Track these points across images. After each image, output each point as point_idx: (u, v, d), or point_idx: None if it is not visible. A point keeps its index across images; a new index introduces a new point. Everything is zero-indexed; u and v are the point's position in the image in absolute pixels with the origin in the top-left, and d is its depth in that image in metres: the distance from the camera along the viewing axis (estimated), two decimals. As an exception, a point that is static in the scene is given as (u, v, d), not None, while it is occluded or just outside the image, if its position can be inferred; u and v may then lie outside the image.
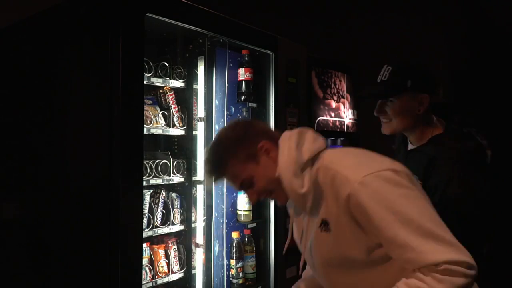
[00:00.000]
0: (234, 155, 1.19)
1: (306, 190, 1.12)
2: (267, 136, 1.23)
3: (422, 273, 0.98)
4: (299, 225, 1.30)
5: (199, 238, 2.10)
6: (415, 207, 1.02)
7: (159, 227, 1.94)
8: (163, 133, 1.99)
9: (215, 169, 1.23)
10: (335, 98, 3.49)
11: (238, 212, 2.22)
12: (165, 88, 2.12)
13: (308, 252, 1.22)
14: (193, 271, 2.12)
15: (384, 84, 1.62)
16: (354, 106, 3.75)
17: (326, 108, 3.38)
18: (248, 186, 1.22)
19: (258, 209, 2.31)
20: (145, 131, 1.74)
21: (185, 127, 2.09)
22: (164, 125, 2.01)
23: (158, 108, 2.04)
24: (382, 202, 1.02)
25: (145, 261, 1.86)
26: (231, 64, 2.20)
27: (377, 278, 1.10)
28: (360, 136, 3.78)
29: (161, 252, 2.01)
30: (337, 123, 3.51)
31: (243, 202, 2.20)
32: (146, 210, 1.92)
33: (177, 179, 2.03)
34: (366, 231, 1.07)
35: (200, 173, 2.10)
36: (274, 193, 1.23)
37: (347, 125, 3.64)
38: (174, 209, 2.04)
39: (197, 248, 2.11)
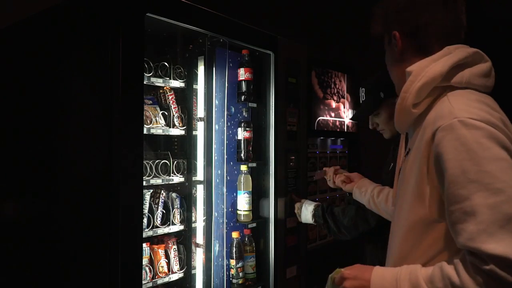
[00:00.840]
0: (390, 15, 1.13)
1: (416, 112, 1.00)
2: (411, 28, 1.09)
3: (466, 262, 0.84)
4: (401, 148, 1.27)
5: (199, 238, 2.10)
6: (508, 177, 0.82)
7: (159, 227, 1.94)
8: (163, 133, 1.99)
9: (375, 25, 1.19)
10: (335, 98, 3.49)
11: (238, 212, 2.22)
12: (165, 88, 2.12)
13: (397, 180, 1.18)
14: (193, 271, 2.12)
15: (364, 103, 1.90)
16: (354, 106, 3.75)
17: (326, 108, 3.38)
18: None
19: (258, 209, 2.31)
20: (145, 131, 1.74)
21: (185, 127, 2.09)
22: (164, 125, 2.01)
23: (158, 108, 2.04)
24: (472, 153, 0.84)
25: (145, 261, 1.86)
26: (231, 64, 2.20)
27: (435, 244, 0.96)
28: (360, 136, 3.78)
29: (161, 252, 2.01)
30: (337, 123, 3.51)
31: (243, 202, 2.20)
32: (146, 210, 1.92)
33: (177, 179, 2.03)
34: (430, 176, 0.93)
35: (200, 173, 2.10)
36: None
37: (347, 125, 3.64)
38: (174, 209, 2.04)
39: (197, 248, 2.11)
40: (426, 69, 0.98)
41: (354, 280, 1.04)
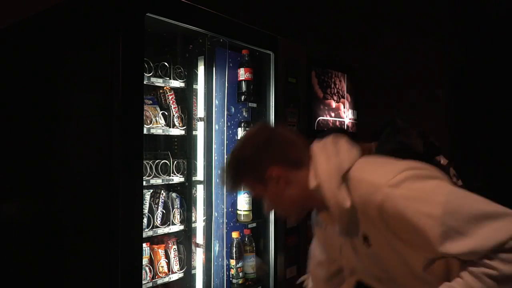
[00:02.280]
0: (244, 176, 1.17)
1: (349, 204, 1.02)
2: (282, 159, 1.13)
3: (488, 259, 0.88)
4: (333, 241, 1.22)
5: (199, 238, 2.10)
6: (454, 195, 0.93)
7: (159, 227, 1.94)
8: (163, 133, 1.99)
9: (230, 185, 1.21)
10: (335, 98, 3.50)
11: (238, 212, 2.22)
12: (165, 88, 2.12)
13: (360, 268, 1.17)
14: (193, 271, 2.12)
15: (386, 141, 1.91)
16: (354, 106, 3.75)
17: (326, 108, 3.38)
18: (261, 200, 1.22)
19: (258, 209, 2.31)
20: (145, 131, 1.74)
21: (185, 127, 2.09)
22: (164, 125, 2.01)
23: (158, 108, 2.04)
24: (419, 200, 0.93)
25: (145, 261, 1.86)
26: (231, 64, 2.20)
27: None
28: (360, 136, 3.78)
29: (161, 252, 2.01)
30: (337, 123, 3.51)
31: (243, 202, 2.20)
32: (146, 210, 1.92)
33: (177, 179, 2.03)
34: (407, 242, 0.98)
35: (200, 173, 2.10)
36: (285, 213, 1.24)
37: (347, 125, 3.64)
38: (174, 209, 2.04)
39: (197, 248, 2.11)
40: (324, 175, 1.06)
41: None
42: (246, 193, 2.19)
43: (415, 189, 0.95)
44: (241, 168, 1.16)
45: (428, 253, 0.98)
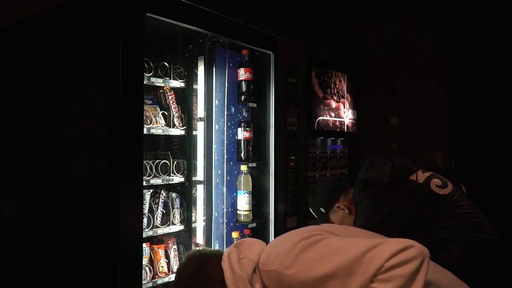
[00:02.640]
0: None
1: None
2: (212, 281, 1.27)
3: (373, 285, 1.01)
4: None
5: (199, 238, 2.10)
6: (334, 251, 1.09)
7: (159, 227, 1.94)
8: (163, 133, 1.99)
9: None
10: (335, 98, 3.50)
11: (238, 212, 2.22)
12: (165, 88, 2.12)
13: None
14: (193, 271, 2.11)
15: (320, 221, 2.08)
16: (354, 106, 3.75)
17: (326, 108, 3.38)
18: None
19: (258, 209, 2.31)
20: (145, 131, 1.74)
21: (185, 127, 2.09)
22: (164, 125, 2.01)
23: (158, 108, 2.04)
24: (310, 268, 1.09)
25: (145, 261, 1.86)
26: (231, 64, 2.20)
27: None
28: (360, 136, 3.79)
29: (161, 252, 2.01)
30: (337, 123, 3.51)
31: (243, 202, 2.20)
32: (146, 210, 1.92)
33: (177, 179, 2.03)
34: None
35: (200, 173, 2.10)
36: None
37: (347, 125, 3.64)
38: (174, 209, 2.04)
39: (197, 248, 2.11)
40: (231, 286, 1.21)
41: None
42: (246, 193, 2.20)
43: (304, 262, 1.12)
44: None
45: None
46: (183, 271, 1.32)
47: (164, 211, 2.00)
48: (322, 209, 2.05)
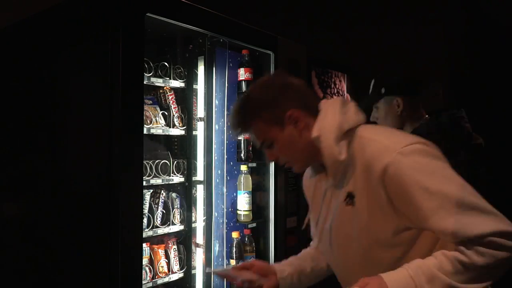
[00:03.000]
0: (259, 116, 1.16)
1: (344, 157, 1.08)
2: (300, 103, 1.17)
3: (464, 246, 0.95)
4: (317, 199, 1.25)
5: (199, 238, 2.10)
6: (454, 179, 1.00)
7: (159, 227, 1.94)
8: (163, 133, 1.99)
9: (239, 124, 1.21)
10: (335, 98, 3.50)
11: (238, 212, 2.22)
12: (165, 88, 2.12)
13: (328, 228, 1.18)
14: (193, 271, 2.12)
15: (369, 95, 1.97)
16: (354, 106, 3.75)
17: (326, 108, 3.38)
18: (268, 147, 1.19)
19: (258, 209, 2.31)
20: (145, 131, 1.74)
21: (185, 127, 2.09)
22: (164, 125, 2.01)
23: (158, 108, 2.04)
24: (423, 173, 0.99)
25: (145, 261, 1.86)
26: (231, 64, 2.20)
27: (396, 261, 1.05)
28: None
29: (161, 252, 2.01)
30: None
31: (243, 202, 2.20)
32: (146, 210, 1.92)
33: (177, 179, 2.03)
34: (397, 207, 1.03)
35: (200, 173, 2.10)
36: (293, 160, 1.21)
37: (347, 125, 3.64)
38: (174, 209, 2.04)
39: (197, 248, 2.11)
40: (327, 128, 1.12)
41: None
42: (246, 193, 2.19)
43: (421, 163, 1.01)
44: (257, 108, 1.16)
45: (410, 222, 1.04)
46: (260, 90, 1.20)
47: (164, 211, 2.00)
48: (383, 89, 1.91)
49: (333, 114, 1.13)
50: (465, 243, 0.95)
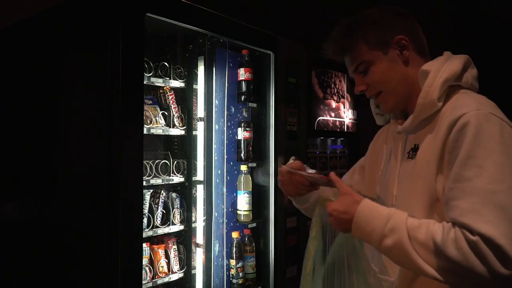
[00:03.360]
0: (364, 36, 1.10)
1: (440, 105, 1.01)
2: (413, 35, 1.11)
3: (451, 227, 0.89)
4: (395, 147, 1.18)
5: (199, 238, 2.10)
6: (506, 174, 0.89)
7: (159, 227, 1.94)
8: (163, 133, 1.99)
9: (339, 39, 1.14)
10: (335, 98, 3.50)
11: (238, 212, 2.22)
12: (165, 88, 2.12)
13: (394, 178, 1.12)
14: (193, 271, 2.12)
15: None
16: (354, 106, 3.75)
17: (326, 108, 3.38)
18: (362, 72, 1.13)
19: (258, 209, 2.31)
20: (145, 131, 1.74)
21: (185, 127, 2.09)
22: (164, 125, 2.01)
23: (158, 108, 2.04)
24: (486, 143, 0.90)
25: (145, 261, 1.86)
26: (231, 64, 2.20)
27: None
28: (360, 136, 3.79)
29: (161, 252, 2.01)
30: (337, 123, 3.51)
31: (243, 202, 2.20)
32: (146, 210, 1.92)
33: (177, 179, 2.03)
34: (443, 167, 0.96)
35: (200, 173, 2.10)
36: (383, 95, 1.12)
37: (347, 125, 3.64)
38: (174, 209, 2.04)
39: (197, 248, 2.11)
40: (443, 68, 1.03)
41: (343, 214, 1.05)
42: (246, 193, 2.19)
43: (491, 134, 0.91)
44: (368, 24, 1.11)
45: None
46: (375, 10, 1.14)
47: (164, 211, 2.00)
48: None
49: (455, 63, 1.05)
50: (455, 224, 0.89)
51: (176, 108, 2.09)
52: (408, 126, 1.08)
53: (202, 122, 2.07)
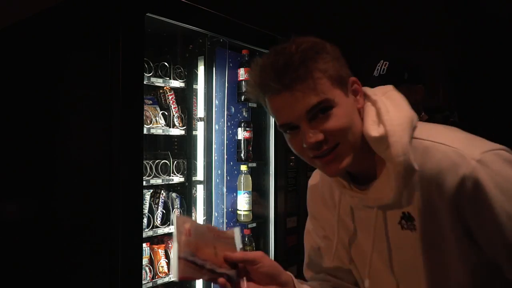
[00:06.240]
0: (326, 66, 0.81)
1: (417, 166, 0.79)
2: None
3: None
4: (366, 220, 0.91)
5: (199, 238, 2.09)
6: None
7: (159, 227, 1.94)
8: (163, 133, 1.99)
9: (292, 65, 0.79)
10: (335, 98, 3.49)
11: (238, 212, 2.22)
12: (165, 88, 2.12)
13: (386, 257, 0.89)
14: (193, 271, 2.11)
15: (382, 77, 1.74)
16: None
17: (326, 108, 3.38)
18: (322, 112, 0.80)
19: (258, 209, 2.31)
20: (145, 131, 1.74)
21: (185, 127, 2.09)
22: (164, 125, 2.01)
23: (158, 108, 2.04)
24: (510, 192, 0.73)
25: (145, 261, 1.86)
26: (231, 64, 2.20)
27: None
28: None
29: (161, 252, 2.01)
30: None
31: (243, 202, 2.20)
32: (146, 210, 1.92)
33: (177, 179, 2.03)
34: (476, 237, 0.77)
35: (200, 173, 2.10)
36: (340, 149, 0.82)
37: (347, 125, 3.64)
38: (174, 209, 2.04)
39: (197, 248, 2.10)
40: (398, 119, 0.83)
41: None
42: (246, 193, 2.19)
43: (508, 177, 0.75)
44: (325, 53, 0.83)
45: (493, 257, 0.78)
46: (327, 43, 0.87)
47: (164, 211, 2.00)
48: (407, 74, 1.71)
49: (396, 105, 0.85)
50: None
51: (176, 108, 2.09)
52: (392, 199, 0.82)
53: (202, 122, 2.07)
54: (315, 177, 1.08)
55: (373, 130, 0.83)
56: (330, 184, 0.99)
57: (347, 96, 0.83)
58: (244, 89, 2.20)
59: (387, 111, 0.84)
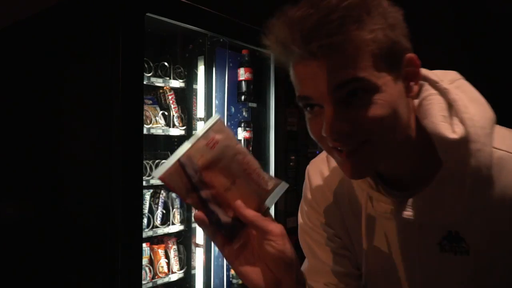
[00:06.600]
0: (374, 33, 0.58)
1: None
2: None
3: None
4: (390, 231, 0.73)
5: (199, 238, 2.09)
6: None
7: (159, 227, 1.94)
8: (163, 133, 1.99)
9: (332, 29, 0.57)
10: (335, 98, 3.49)
11: (238, 212, 2.22)
12: (165, 88, 2.12)
13: (410, 278, 0.73)
14: (193, 271, 2.11)
15: None
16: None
17: (326, 108, 3.38)
18: (354, 94, 0.59)
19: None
20: (145, 131, 1.74)
21: (185, 127, 2.09)
22: (164, 125, 2.01)
23: (158, 108, 2.04)
24: None
25: (145, 261, 1.86)
26: (231, 64, 2.20)
27: None
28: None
29: (161, 252, 2.01)
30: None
31: (243, 202, 2.19)
32: (146, 210, 1.91)
33: (177, 179, 2.02)
34: None
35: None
36: (369, 147, 0.62)
37: (347, 125, 3.64)
38: (174, 209, 2.04)
39: (197, 248, 2.11)
40: (479, 117, 0.65)
41: None
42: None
43: None
44: (377, 18, 0.59)
45: None
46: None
47: (164, 211, 2.00)
48: None
49: (480, 100, 0.68)
50: None
51: (176, 108, 2.09)
52: (457, 218, 0.66)
53: (202, 122, 2.07)
54: (322, 164, 0.87)
55: (447, 129, 0.63)
56: (344, 178, 0.81)
57: (395, 80, 0.61)
58: (244, 89, 2.20)
59: (465, 107, 0.65)
